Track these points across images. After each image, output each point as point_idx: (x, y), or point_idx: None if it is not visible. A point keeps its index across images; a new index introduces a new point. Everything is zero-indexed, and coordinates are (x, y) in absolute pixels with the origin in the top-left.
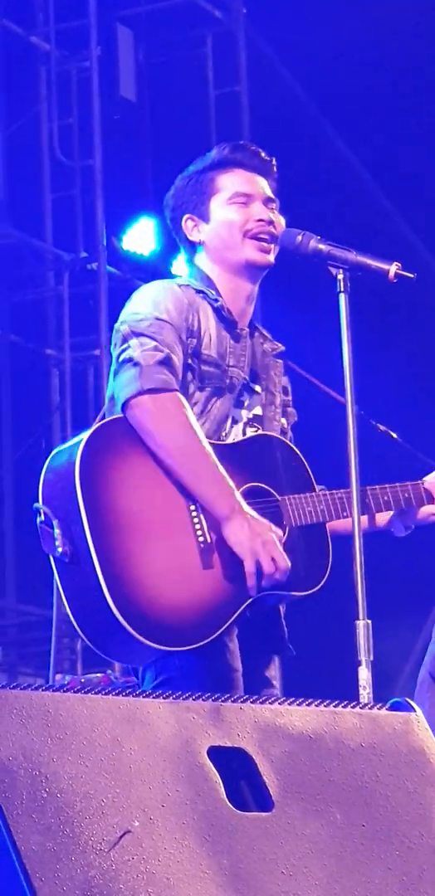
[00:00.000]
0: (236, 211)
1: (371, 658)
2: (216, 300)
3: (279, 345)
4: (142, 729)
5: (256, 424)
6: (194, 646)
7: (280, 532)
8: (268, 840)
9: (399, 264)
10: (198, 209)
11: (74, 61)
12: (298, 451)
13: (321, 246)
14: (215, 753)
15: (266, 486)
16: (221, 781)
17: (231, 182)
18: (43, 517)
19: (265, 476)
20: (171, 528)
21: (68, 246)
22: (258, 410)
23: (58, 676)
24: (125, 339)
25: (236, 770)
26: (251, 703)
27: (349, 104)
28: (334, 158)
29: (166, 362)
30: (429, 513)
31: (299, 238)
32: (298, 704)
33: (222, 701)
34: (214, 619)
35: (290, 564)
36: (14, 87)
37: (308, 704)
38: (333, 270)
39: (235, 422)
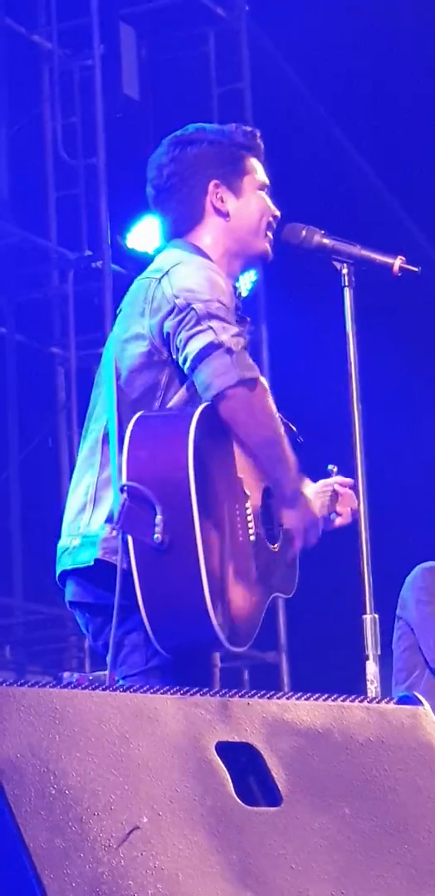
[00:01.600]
0: (266, 200)
1: (379, 652)
2: (236, 288)
3: None
4: (150, 725)
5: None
6: (243, 648)
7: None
8: (276, 835)
9: (404, 258)
10: (229, 180)
11: (77, 60)
12: None
13: (325, 240)
14: (223, 749)
15: (309, 496)
16: (229, 777)
17: (258, 168)
18: (131, 498)
19: None
20: (240, 524)
21: (73, 244)
22: None
23: (66, 674)
24: (202, 320)
25: (244, 765)
26: (259, 698)
27: (352, 100)
28: (337, 154)
29: (247, 348)
30: (333, 519)
31: (303, 233)
32: (305, 699)
33: (230, 696)
34: (257, 619)
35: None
36: (17, 86)
37: (316, 699)
38: (338, 265)
39: None
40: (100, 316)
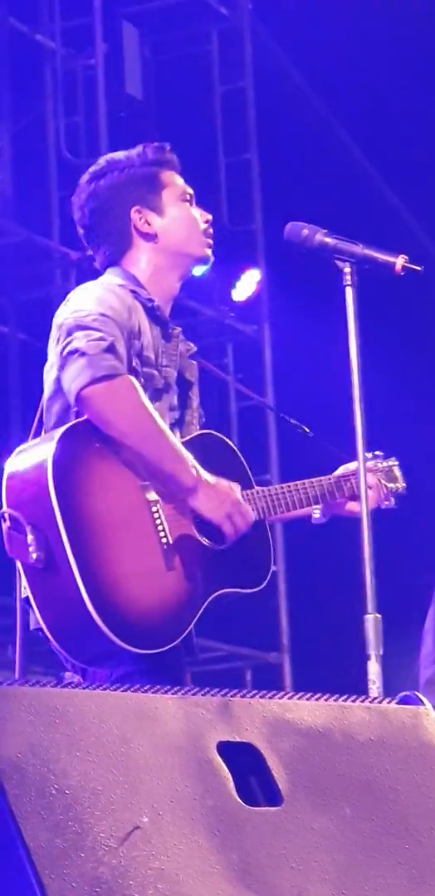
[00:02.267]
0: (191, 209)
1: (380, 652)
2: (150, 300)
3: (192, 345)
4: (150, 724)
5: (177, 427)
6: (167, 647)
7: (238, 487)
8: (277, 835)
9: (406, 257)
10: (148, 201)
11: (80, 59)
12: (237, 450)
13: (327, 239)
14: (224, 748)
15: (217, 477)
16: (230, 776)
17: (174, 179)
18: (10, 523)
19: (210, 473)
20: (138, 529)
21: (75, 243)
22: (178, 413)
23: (67, 674)
24: (70, 333)
25: (245, 765)
26: (260, 697)
27: (355, 99)
28: (340, 152)
29: (111, 349)
30: (350, 505)
31: (305, 232)
32: (306, 699)
33: (231, 696)
34: (181, 619)
35: (253, 515)
36: (20, 85)
37: (317, 699)
38: (340, 264)
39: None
40: None
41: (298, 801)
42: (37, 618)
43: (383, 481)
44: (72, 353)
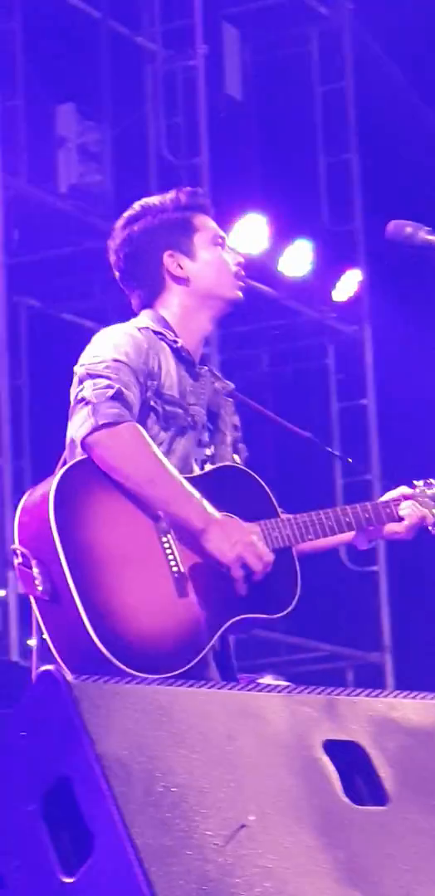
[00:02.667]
0: (224, 252)
1: None
2: (175, 341)
3: (229, 383)
4: (256, 722)
5: (211, 462)
6: (172, 673)
7: (256, 528)
8: (384, 835)
9: None
10: (181, 246)
11: (180, 60)
12: (261, 480)
13: (431, 237)
14: (330, 747)
15: (231, 516)
16: (336, 775)
17: (206, 223)
18: (21, 559)
19: (230, 506)
20: (146, 560)
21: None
22: (212, 449)
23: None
24: (81, 381)
25: (351, 764)
26: (365, 696)
27: None
28: None
29: (118, 396)
30: (391, 530)
31: (408, 230)
32: (412, 698)
33: (336, 694)
34: (193, 645)
35: (273, 557)
36: (121, 87)
37: (422, 698)
38: None
39: (195, 461)
40: None
41: (405, 801)
42: (50, 648)
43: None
44: (78, 401)
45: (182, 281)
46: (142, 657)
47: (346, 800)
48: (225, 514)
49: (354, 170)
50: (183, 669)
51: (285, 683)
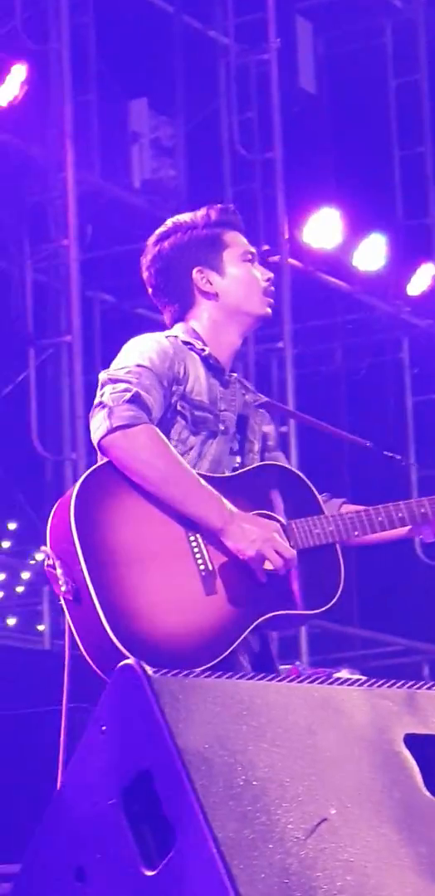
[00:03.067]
0: (253, 268)
1: None
2: (203, 349)
3: (261, 395)
4: (336, 716)
5: (239, 470)
6: (198, 669)
7: (276, 524)
8: None
9: None
10: (210, 262)
11: (254, 54)
12: (304, 477)
13: None
14: (411, 741)
15: (270, 513)
16: (417, 769)
17: (236, 240)
18: (50, 560)
19: (269, 503)
20: (171, 558)
21: (249, 239)
22: (239, 459)
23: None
24: (102, 386)
25: (432, 757)
26: None
27: None
28: None
29: (135, 399)
30: None
31: None
32: None
33: (416, 688)
34: (220, 642)
35: (295, 553)
36: (194, 81)
37: None
38: None
39: (226, 466)
40: (277, 311)
41: None
42: (79, 646)
43: None
44: (96, 406)
45: (211, 296)
46: (162, 655)
47: (427, 793)
48: (257, 511)
49: (429, 163)
50: (207, 666)
51: (361, 677)
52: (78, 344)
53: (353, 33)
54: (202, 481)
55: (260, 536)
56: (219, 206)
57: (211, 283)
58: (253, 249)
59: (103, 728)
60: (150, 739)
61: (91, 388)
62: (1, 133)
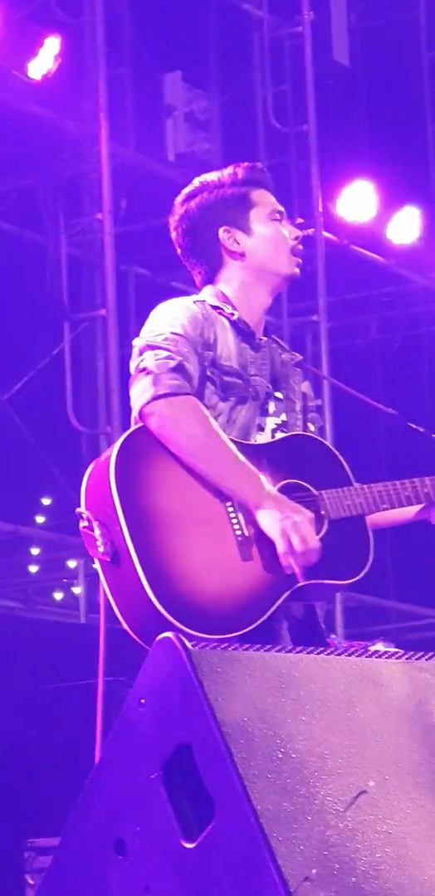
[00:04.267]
0: (280, 227)
1: None
2: (232, 314)
3: (297, 354)
4: (375, 689)
5: (283, 430)
6: (236, 633)
7: (310, 514)
8: None
9: None
10: (237, 221)
11: (287, 27)
12: (334, 448)
13: None
14: None
15: (302, 482)
16: None
17: (264, 198)
18: (86, 522)
19: (300, 473)
20: (208, 523)
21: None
22: (284, 417)
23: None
24: (141, 353)
25: None
26: None
27: None
28: None
29: (179, 369)
30: None
31: None
32: None
33: None
34: (255, 608)
35: (319, 545)
36: (228, 55)
37: None
38: None
39: (260, 429)
40: (312, 284)
41: None
42: (114, 609)
43: None
44: (140, 371)
45: (238, 256)
46: (201, 618)
47: None
48: (287, 481)
49: None
50: (244, 631)
51: (397, 651)
52: (112, 318)
53: (386, 5)
54: (240, 456)
55: (289, 517)
56: (246, 164)
57: (238, 243)
58: (281, 208)
59: (142, 701)
60: (190, 713)
61: (125, 362)
62: (35, 107)
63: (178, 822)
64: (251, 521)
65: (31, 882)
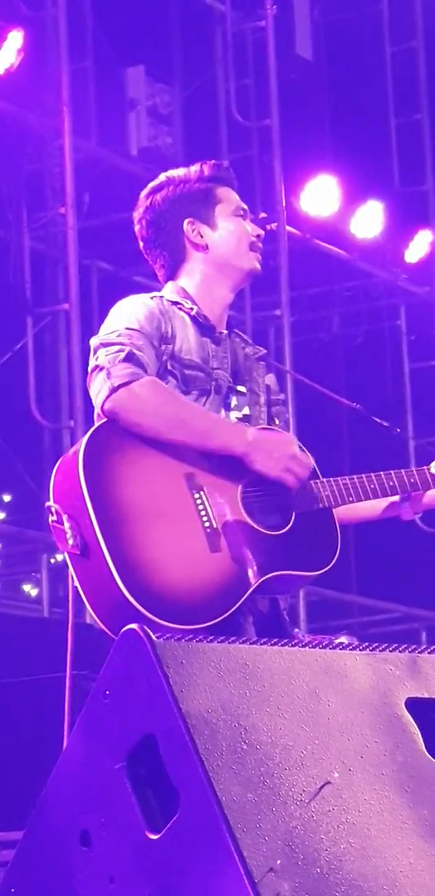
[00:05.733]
0: (243, 223)
1: None
2: (191, 309)
3: (260, 348)
4: (339, 681)
5: (245, 424)
6: (205, 624)
7: (291, 436)
8: None
9: None
10: (202, 215)
11: (250, 21)
12: (297, 441)
13: None
14: (413, 704)
15: (269, 429)
16: (419, 732)
17: (228, 195)
18: (55, 516)
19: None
20: (177, 515)
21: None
22: (247, 410)
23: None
24: (95, 351)
25: (434, 721)
26: None
27: None
28: None
29: (130, 357)
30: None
31: None
32: None
33: (419, 652)
34: (226, 598)
35: (312, 462)
36: (191, 49)
37: None
38: None
39: None
40: (275, 279)
41: None
42: (83, 600)
43: None
44: (93, 370)
45: (202, 248)
46: (171, 608)
47: (429, 757)
48: (262, 428)
49: (426, 131)
50: (214, 622)
51: (359, 644)
52: (75, 312)
53: (349, 0)
54: (210, 413)
55: (283, 454)
56: (212, 162)
57: (202, 236)
58: (245, 206)
59: (107, 693)
60: (154, 704)
61: (88, 356)
62: None
63: (142, 813)
64: (219, 512)
65: None
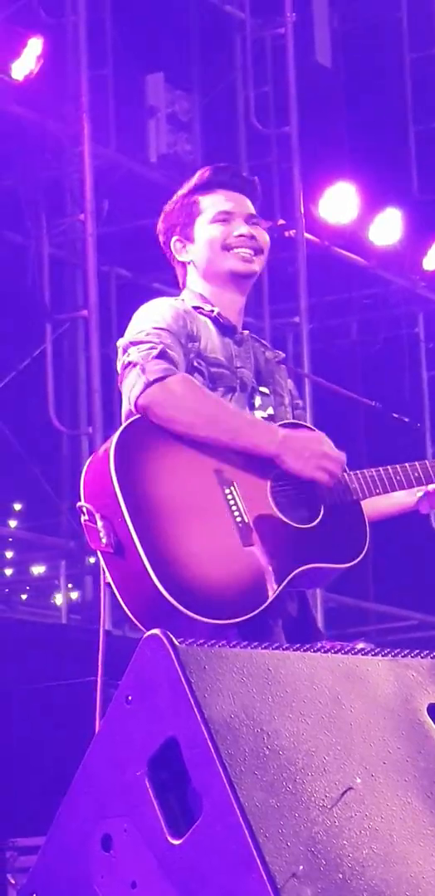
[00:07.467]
0: (217, 228)
1: None
2: (212, 310)
3: (280, 353)
4: (362, 686)
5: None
6: (239, 619)
7: (321, 434)
8: None
9: None
10: (184, 231)
11: (269, 28)
12: (325, 436)
13: None
14: None
15: (297, 423)
16: None
17: (212, 202)
18: (87, 515)
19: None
20: (209, 510)
21: (265, 213)
22: (271, 411)
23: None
24: (125, 350)
25: None
26: None
27: None
28: None
29: (163, 355)
30: None
31: None
32: None
33: None
34: (258, 593)
35: (344, 457)
36: (210, 56)
37: None
38: None
39: None
40: (293, 285)
41: None
42: (118, 600)
43: None
44: (126, 366)
45: (189, 263)
46: (206, 603)
47: None
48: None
49: None
50: (248, 616)
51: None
52: (94, 318)
53: (368, 7)
54: (247, 412)
55: (313, 452)
56: (209, 167)
57: (186, 252)
58: (228, 207)
59: (129, 698)
60: (177, 709)
61: (107, 362)
62: (17, 107)
63: (165, 818)
64: (250, 507)
65: (12, 882)
